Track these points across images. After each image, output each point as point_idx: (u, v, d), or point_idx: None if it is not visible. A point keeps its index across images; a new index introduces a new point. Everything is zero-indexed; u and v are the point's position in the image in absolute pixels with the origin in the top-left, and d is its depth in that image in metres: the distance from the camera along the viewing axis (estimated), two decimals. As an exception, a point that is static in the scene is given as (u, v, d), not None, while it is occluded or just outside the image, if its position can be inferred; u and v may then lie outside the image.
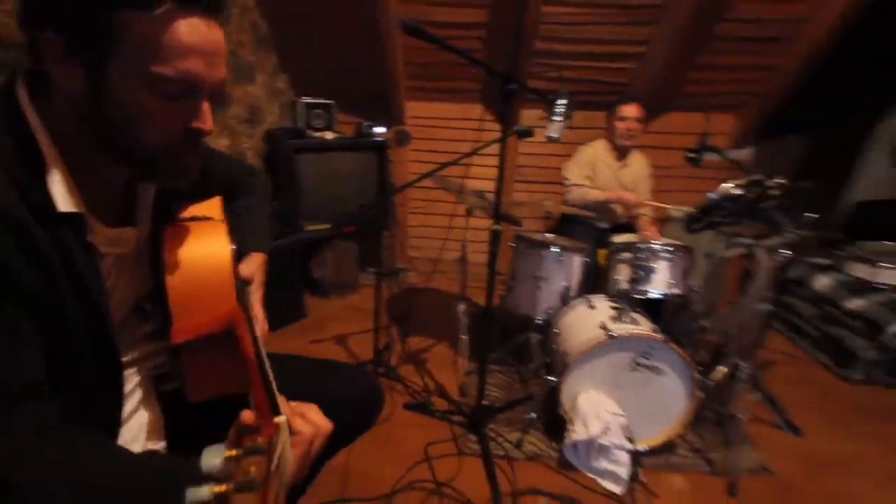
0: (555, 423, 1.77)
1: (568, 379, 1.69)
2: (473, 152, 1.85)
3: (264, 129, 2.82)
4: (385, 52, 2.76)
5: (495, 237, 1.64)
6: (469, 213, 2.18)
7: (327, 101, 2.77)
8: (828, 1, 2.39)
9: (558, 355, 1.81)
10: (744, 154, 3.12)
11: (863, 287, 2.36)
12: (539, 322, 2.05)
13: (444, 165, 1.83)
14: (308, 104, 2.71)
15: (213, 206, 0.85)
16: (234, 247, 0.74)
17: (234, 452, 0.40)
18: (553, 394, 1.75)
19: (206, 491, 0.38)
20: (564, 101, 1.59)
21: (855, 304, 2.30)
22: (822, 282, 2.52)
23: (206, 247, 0.70)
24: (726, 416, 1.80)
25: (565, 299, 2.00)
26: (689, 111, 3.03)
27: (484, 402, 1.80)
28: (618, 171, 2.52)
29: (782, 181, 1.61)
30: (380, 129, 2.88)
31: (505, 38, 2.72)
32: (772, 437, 1.90)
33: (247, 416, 0.50)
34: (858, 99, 3.23)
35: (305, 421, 0.57)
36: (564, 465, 1.68)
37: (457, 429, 1.83)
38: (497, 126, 3.03)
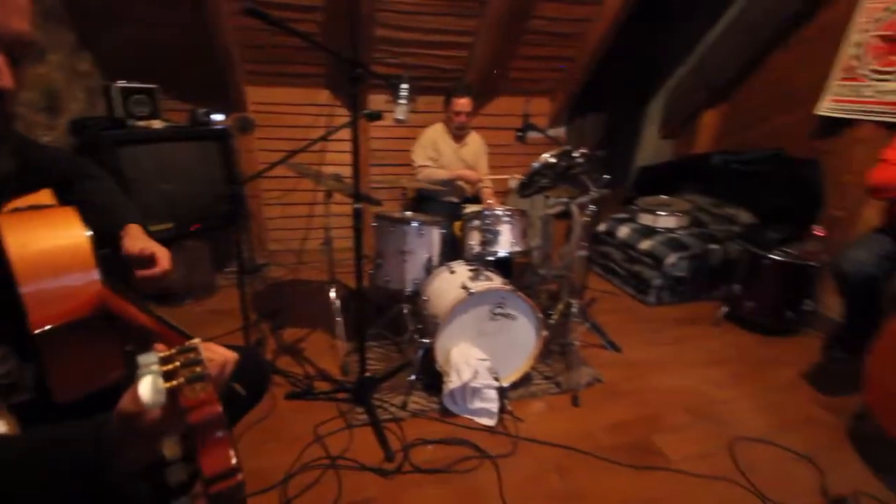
0: (433, 380, 1.96)
1: (440, 338, 1.88)
2: (324, 137, 1.89)
3: (68, 119, 2.39)
4: (215, 33, 2.56)
5: (358, 218, 1.71)
6: (329, 197, 2.21)
7: (149, 86, 2.46)
8: (605, 4, 2.96)
9: (429, 319, 2.00)
10: (558, 131, 3.70)
11: (649, 231, 3.05)
12: (409, 293, 2.21)
13: (296, 152, 1.84)
14: (125, 89, 2.37)
15: (43, 198, 0.78)
16: (90, 233, 0.70)
17: (168, 352, 0.44)
18: (428, 354, 1.93)
19: (149, 383, 0.41)
20: (407, 86, 1.72)
21: (645, 245, 2.97)
22: (623, 231, 3.18)
23: (56, 232, 0.66)
24: (566, 345, 2.21)
25: (429, 269, 2.19)
26: (513, 95, 3.47)
27: (367, 375, 1.89)
28: (458, 150, 2.81)
29: (585, 151, 2.01)
30: (218, 117, 2.67)
31: (342, 23, 2.75)
32: (600, 356, 2.38)
33: (161, 347, 0.51)
34: (635, 84, 4.07)
35: (212, 351, 0.60)
36: (446, 414, 1.88)
37: (344, 405, 1.89)
38: (347, 111, 3.09)
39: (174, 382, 0.43)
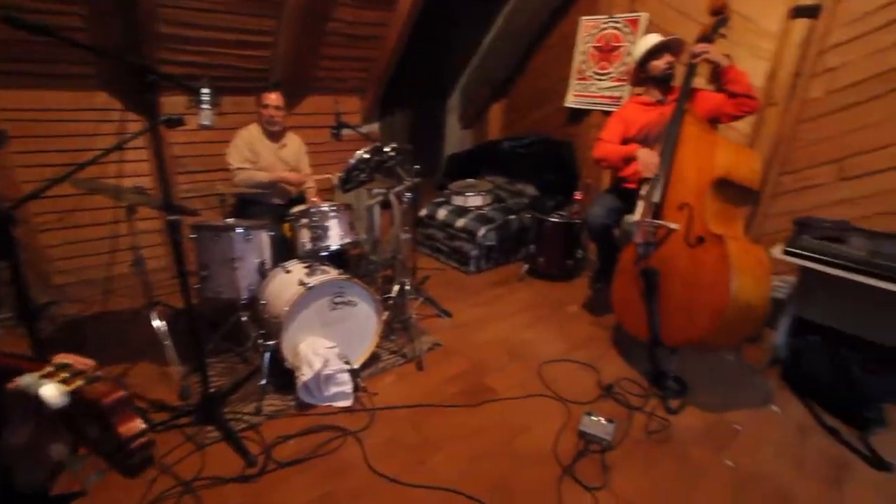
0: (285, 380, 2.00)
1: (285, 336, 1.93)
2: (119, 146, 1.73)
3: None
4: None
5: (175, 230, 1.64)
6: (132, 213, 2.01)
7: None
8: (397, 10, 3.25)
9: (270, 321, 2.02)
10: (371, 128, 3.92)
11: (462, 211, 3.52)
12: (245, 300, 2.17)
13: (83, 166, 1.64)
14: None
15: None
16: None
17: (45, 370, 0.52)
18: (275, 355, 1.96)
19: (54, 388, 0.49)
20: (208, 90, 1.68)
21: (461, 222, 3.42)
22: (442, 213, 3.60)
23: None
24: (406, 320, 2.47)
25: (263, 272, 2.18)
26: (323, 94, 3.55)
27: (211, 392, 1.83)
28: (278, 151, 2.77)
29: (395, 145, 2.26)
30: (-52, 131, 2.13)
31: (115, 18, 2.44)
32: (436, 323, 2.71)
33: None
34: (435, 81, 4.55)
35: (80, 361, 0.68)
36: (304, 407, 1.95)
37: (190, 429, 1.80)
38: (138, 116, 2.75)
39: (75, 385, 0.52)
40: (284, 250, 2.35)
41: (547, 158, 3.62)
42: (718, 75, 2.20)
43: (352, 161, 2.09)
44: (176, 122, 1.79)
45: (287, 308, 1.89)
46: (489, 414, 2.00)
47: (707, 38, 2.15)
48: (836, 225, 2.10)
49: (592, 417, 1.89)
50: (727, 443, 1.88)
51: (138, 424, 0.62)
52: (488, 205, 3.57)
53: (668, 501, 1.60)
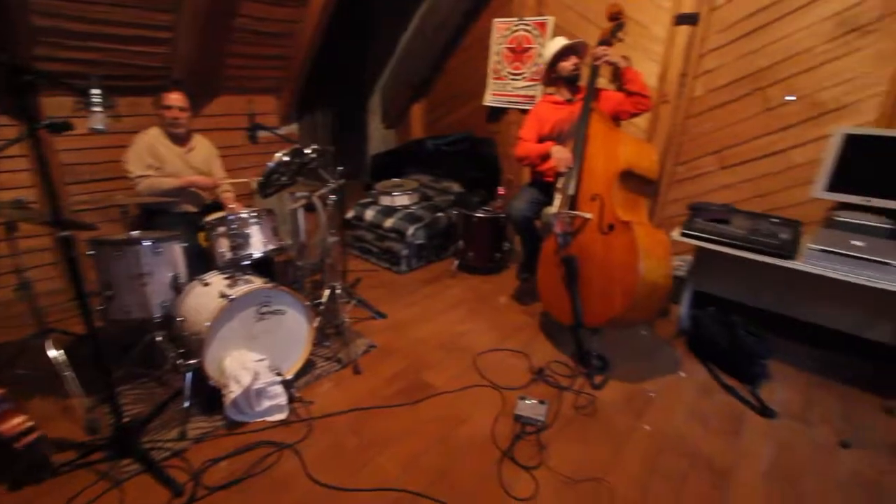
0: (211, 399, 1.88)
1: (207, 353, 1.81)
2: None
3: None
4: None
5: (68, 248, 1.47)
6: (11, 231, 1.77)
7: None
8: (309, 7, 3.15)
9: (190, 338, 1.88)
10: (290, 129, 3.77)
11: (390, 210, 3.51)
12: (158, 319, 2.00)
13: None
14: None
15: None
16: None
17: None
18: (198, 373, 1.83)
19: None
20: (99, 91, 1.52)
21: (389, 222, 3.41)
22: (369, 214, 3.56)
23: None
24: (339, 324, 2.42)
25: (177, 287, 2.03)
26: (235, 94, 3.35)
27: (125, 422, 1.67)
28: (185, 155, 2.55)
29: (316, 147, 2.20)
30: None
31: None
32: (371, 325, 2.69)
33: None
34: (355, 81, 4.48)
35: None
36: (234, 426, 1.85)
37: (103, 466, 1.63)
38: (12, 120, 2.42)
39: None
40: (201, 262, 2.19)
41: (470, 156, 3.71)
42: (618, 76, 2.41)
43: (271, 164, 2.01)
44: (61, 127, 1.59)
45: (209, 323, 1.78)
46: (428, 409, 2.03)
47: (606, 41, 2.34)
48: (722, 208, 2.39)
49: (526, 401, 1.99)
50: (644, 409, 2.07)
51: (20, 423, 0.56)
52: (416, 203, 3.59)
53: (598, 469, 1.73)
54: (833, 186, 2.12)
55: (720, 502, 1.63)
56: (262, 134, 2.30)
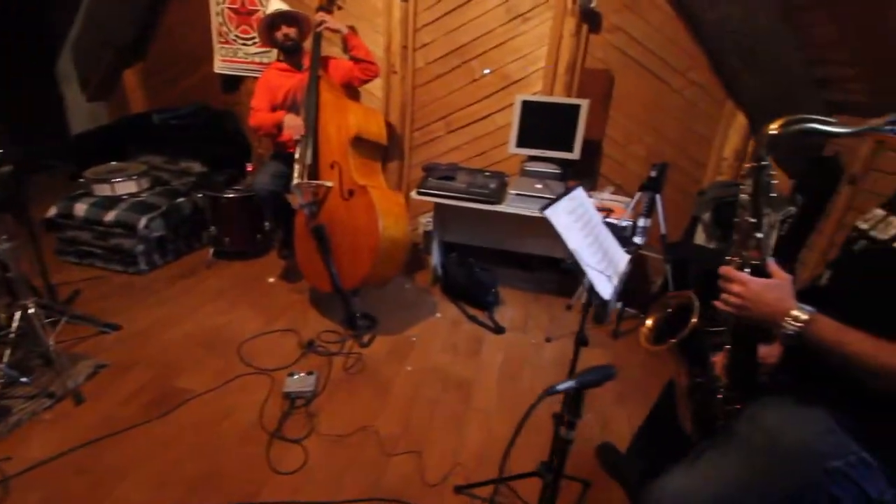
0: None
1: None
2: None
3: None
4: None
5: None
6: None
7: None
8: None
9: None
10: None
11: (111, 202, 2.88)
12: None
13: None
14: None
15: None
16: None
17: None
18: None
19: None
20: None
21: (110, 216, 2.80)
22: (81, 208, 2.85)
23: None
24: (45, 351, 1.92)
25: None
26: None
27: None
28: None
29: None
30: None
31: None
32: (102, 342, 2.22)
33: None
34: (36, 38, 3.40)
35: None
36: None
37: None
38: None
39: None
40: None
41: (210, 130, 3.31)
42: (344, 44, 2.46)
43: None
44: None
45: None
46: (184, 416, 1.83)
47: (325, 7, 2.35)
48: (448, 167, 2.75)
49: (294, 377, 1.98)
50: (408, 353, 2.31)
51: None
52: (146, 190, 3.04)
53: (366, 418, 1.87)
54: (520, 143, 2.67)
55: (465, 411, 1.97)
56: None
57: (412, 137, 3.10)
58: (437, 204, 2.66)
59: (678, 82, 2.63)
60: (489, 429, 1.88)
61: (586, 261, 1.05)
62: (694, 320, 0.92)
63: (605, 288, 1.07)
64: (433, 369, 2.21)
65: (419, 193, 2.53)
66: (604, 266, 1.07)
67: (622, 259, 1.19)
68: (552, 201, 1.14)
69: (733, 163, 2.62)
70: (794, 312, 0.76)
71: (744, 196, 0.80)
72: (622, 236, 2.33)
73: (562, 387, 0.85)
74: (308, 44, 2.44)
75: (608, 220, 2.36)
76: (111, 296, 2.65)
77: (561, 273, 2.90)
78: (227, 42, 3.11)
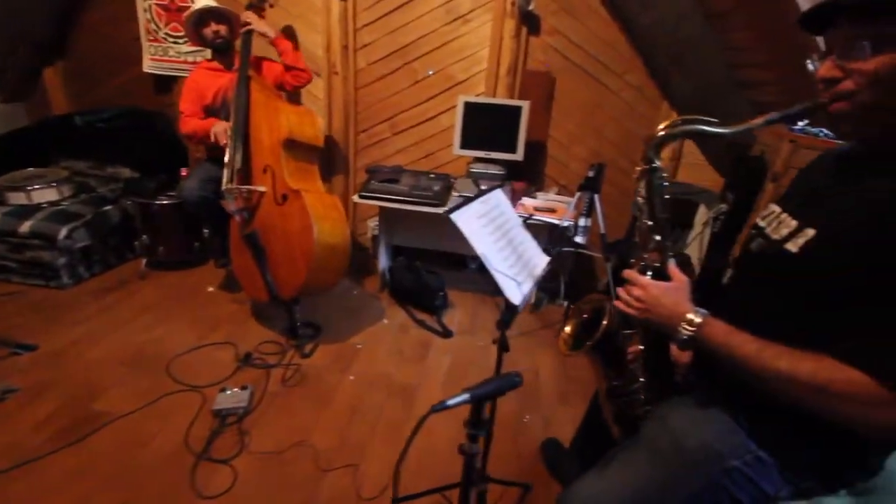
0: None
1: None
2: None
3: None
4: None
5: None
6: None
7: None
8: None
9: None
10: None
11: (27, 211, 2.66)
12: None
13: None
14: None
15: None
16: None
17: None
18: None
19: None
20: None
21: (26, 227, 2.58)
22: (-7, 219, 2.62)
23: None
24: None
25: None
26: None
27: None
28: None
29: None
30: None
31: None
32: (14, 364, 2.04)
33: None
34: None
35: None
36: None
37: None
38: None
39: None
40: None
41: (139, 133, 3.12)
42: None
43: None
44: None
45: None
46: (100, 442, 1.69)
47: (254, 6, 2.25)
48: (393, 169, 2.70)
49: (227, 392, 1.88)
50: (352, 362, 2.24)
51: None
52: (68, 197, 2.83)
53: (302, 433, 1.79)
54: (464, 145, 2.65)
55: (407, 419, 1.92)
56: None
57: (357, 140, 3.02)
58: (381, 207, 2.60)
59: (616, 84, 2.68)
60: (430, 436, 1.84)
61: (494, 265, 1.03)
62: (605, 322, 0.92)
63: (514, 293, 1.05)
64: (377, 377, 2.15)
65: (361, 196, 2.47)
66: (515, 271, 1.05)
67: (540, 263, 1.18)
68: (463, 203, 1.11)
69: (669, 163, 2.70)
70: (689, 316, 0.77)
71: (639, 199, 0.80)
72: (564, 236, 2.35)
73: (452, 402, 0.81)
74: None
75: (551, 220, 2.37)
76: (28, 313, 2.44)
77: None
78: (156, 40, 2.93)
